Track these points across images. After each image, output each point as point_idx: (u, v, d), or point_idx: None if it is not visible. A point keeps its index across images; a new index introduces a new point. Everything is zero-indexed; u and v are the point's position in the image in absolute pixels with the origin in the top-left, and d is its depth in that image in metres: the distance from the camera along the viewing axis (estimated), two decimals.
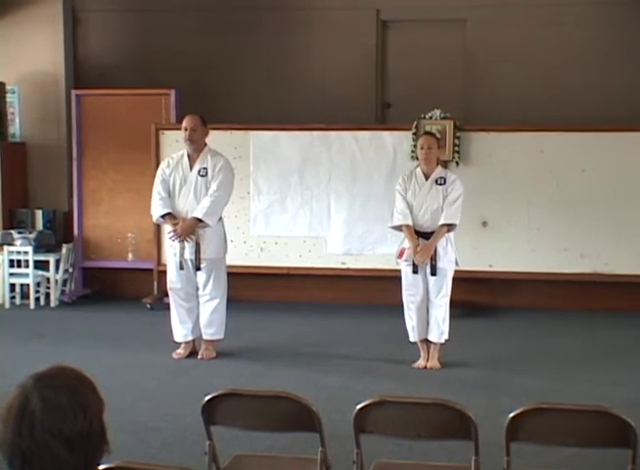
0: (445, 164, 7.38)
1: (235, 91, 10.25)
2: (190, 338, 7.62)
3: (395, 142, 9.36)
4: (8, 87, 10.07)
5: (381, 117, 10.31)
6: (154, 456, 5.25)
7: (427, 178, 7.21)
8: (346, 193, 9.52)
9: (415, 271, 7.18)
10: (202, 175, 7.41)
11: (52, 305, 9.75)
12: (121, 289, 10.05)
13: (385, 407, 3.89)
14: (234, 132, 9.62)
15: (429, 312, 7.27)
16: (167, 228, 7.57)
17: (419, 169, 7.26)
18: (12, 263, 9.63)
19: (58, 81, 10.22)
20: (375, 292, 9.41)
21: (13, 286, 9.77)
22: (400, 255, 7.27)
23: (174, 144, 9.62)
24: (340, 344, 8.12)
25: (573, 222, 9.20)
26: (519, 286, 9.50)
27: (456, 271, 9.26)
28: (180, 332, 7.61)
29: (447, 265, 7.21)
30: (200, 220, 7.33)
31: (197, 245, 7.39)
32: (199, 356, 7.55)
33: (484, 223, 9.30)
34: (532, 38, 9.87)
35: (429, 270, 7.18)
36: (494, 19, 9.92)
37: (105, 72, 10.38)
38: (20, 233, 9.71)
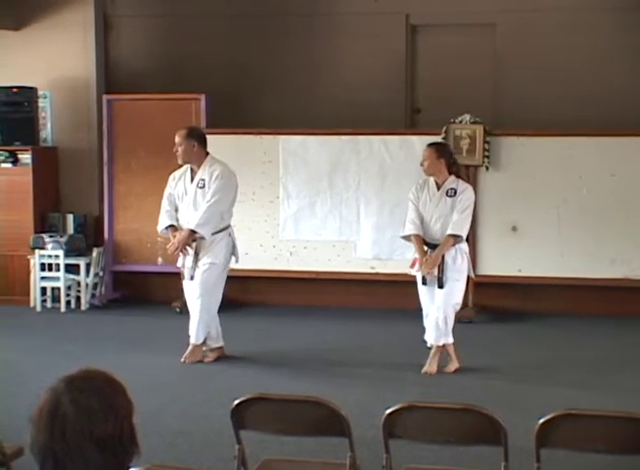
0: (459, 171, 7.30)
1: (264, 96, 10.27)
2: (214, 345, 7.63)
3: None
4: (40, 92, 10.14)
5: (410, 121, 10.29)
6: (183, 460, 5.27)
7: (439, 188, 7.19)
8: (376, 198, 9.51)
9: (424, 283, 7.18)
10: (200, 187, 7.46)
11: (82, 308, 9.81)
12: (151, 293, 10.09)
13: (414, 413, 3.89)
14: (263, 137, 9.65)
15: (431, 315, 7.25)
16: None
17: (432, 179, 7.23)
18: (43, 267, 9.70)
19: (89, 86, 10.28)
20: (404, 296, 9.36)
21: (44, 289, 9.83)
22: (413, 264, 7.27)
23: None
24: (368, 348, 8.11)
25: (603, 227, 9.15)
26: (548, 291, 9.45)
27: (485, 276, 9.27)
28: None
29: (456, 276, 7.15)
30: (194, 232, 7.36)
31: (195, 255, 7.44)
32: (181, 359, 7.51)
33: (514, 228, 9.26)
34: (562, 42, 9.82)
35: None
36: (524, 23, 9.88)
37: (136, 77, 10.43)
38: (51, 237, 9.77)
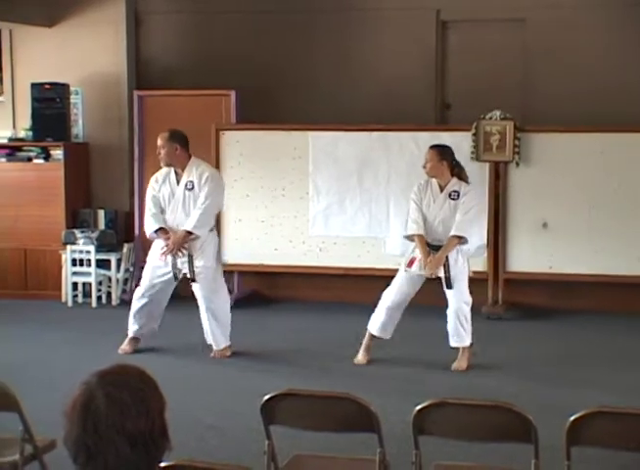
0: (461, 173, 7.31)
1: (295, 92, 10.27)
2: (135, 335, 7.82)
3: (455, 143, 9.26)
4: (71, 88, 10.21)
5: (440, 117, 10.27)
6: (212, 455, 5.30)
7: (442, 190, 7.21)
8: (405, 195, 9.47)
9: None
10: (189, 189, 7.50)
11: (113, 303, 9.88)
12: (180, 288, 10.08)
13: (444, 409, 3.89)
14: (293, 133, 9.66)
15: (447, 319, 7.30)
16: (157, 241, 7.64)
17: (434, 180, 7.25)
18: (74, 262, 9.77)
19: (120, 82, 10.35)
20: (432, 293, 9.35)
21: (75, 284, 9.91)
22: (410, 263, 7.29)
23: (234, 144, 9.71)
24: (397, 344, 8.09)
25: (635, 224, 9.08)
26: (578, 288, 9.40)
27: (515, 273, 9.27)
28: (131, 327, 7.82)
29: (460, 276, 7.21)
30: (190, 233, 7.42)
31: (189, 256, 7.48)
32: (211, 354, 7.64)
33: (544, 225, 9.22)
34: (593, 38, 9.75)
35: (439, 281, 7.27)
36: (554, 18, 9.82)
37: (166, 73, 10.48)
38: (82, 232, 9.84)
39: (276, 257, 9.72)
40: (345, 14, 10.24)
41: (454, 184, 7.20)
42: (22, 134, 10.33)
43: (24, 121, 10.37)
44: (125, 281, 10.09)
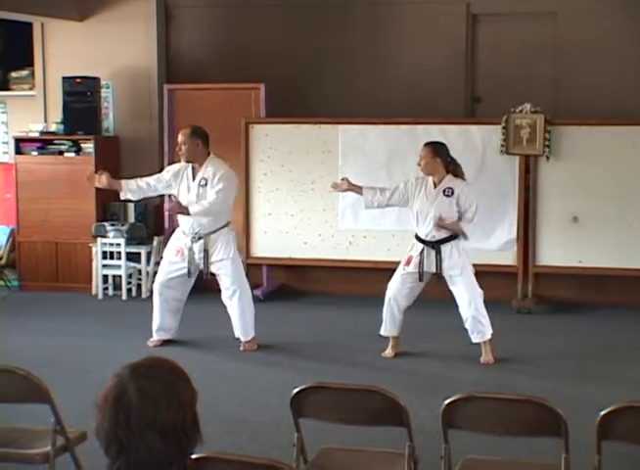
0: (456, 170, 7.30)
1: (324, 85, 10.27)
2: (163, 337, 7.86)
3: (484, 136, 9.28)
4: (102, 82, 10.27)
5: (470, 111, 10.23)
6: (242, 448, 5.33)
7: (436, 187, 7.23)
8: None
9: (421, 279, 7.28)
10: (202, 185, 7.52)
11: (143, 296, 9.92)
12: (210, 281, 10.13)
13: (473, 403, 3.89)
14: (322, 126, 9.66)
15: (462, 317, 7.27)
16: (174, 236, 7.72)
17: (430, 178, 7.27)
18: (105, 255, 9.83)
19: (150, 76, 10.39)
20: None
21: (105, 277, 9.97)
22: (408, 262, 7.29)
23: (264, 138, 9.72)
24: (427, 338, 8.11)
25: None
26: (609, 283, 9.35)
27: (544, 267, 9.22)
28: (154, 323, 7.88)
29: (457, 271, 7.20)
30: (187, 212, 7.48)
31: (205, 252, 7.52)
32: (241, 348, 7.68)
33: (575, 219, 9.17)
34: (625, 32, 9.68)
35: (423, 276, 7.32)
36: (585, 11, 9.76)
37: (196, 67, 10.51)
38: (112, 225, 9.90)
39: (305, 250, 9.73)
40: (376, 7, 10.22)
41: (448, 181, 7.21)
42: (53, 128, 10.40)
43: (56, 115, 10.44)
44: (155, 274, 10.12)
